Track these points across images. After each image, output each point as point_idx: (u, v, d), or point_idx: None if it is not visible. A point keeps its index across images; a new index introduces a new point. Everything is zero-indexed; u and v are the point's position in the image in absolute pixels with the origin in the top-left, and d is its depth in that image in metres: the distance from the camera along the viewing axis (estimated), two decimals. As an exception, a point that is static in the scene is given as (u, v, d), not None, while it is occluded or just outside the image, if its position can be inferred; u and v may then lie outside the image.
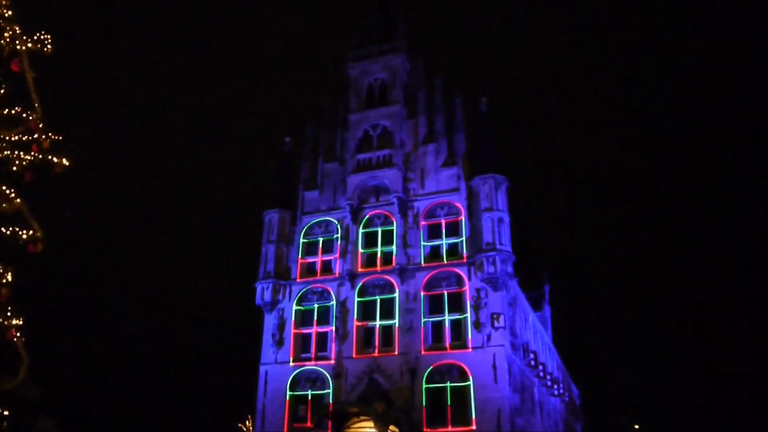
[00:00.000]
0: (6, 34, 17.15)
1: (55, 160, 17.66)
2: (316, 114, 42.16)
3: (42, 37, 17.48)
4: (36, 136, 17.41)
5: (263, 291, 37.27)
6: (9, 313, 17.93)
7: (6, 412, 23.90)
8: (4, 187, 17.35)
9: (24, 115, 17.45)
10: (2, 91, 17.56)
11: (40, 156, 17.46)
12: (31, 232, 17.57)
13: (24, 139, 17.48)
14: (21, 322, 18.23)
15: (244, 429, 60.68)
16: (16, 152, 17.40)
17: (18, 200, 17.50)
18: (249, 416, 52.08)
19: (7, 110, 17.42)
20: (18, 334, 18.12)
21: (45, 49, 17.50)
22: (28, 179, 17.50)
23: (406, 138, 38.56)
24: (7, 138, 17.35)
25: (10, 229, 17.57)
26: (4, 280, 17.73)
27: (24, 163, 17.36)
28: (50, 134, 17.61)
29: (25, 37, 17.36)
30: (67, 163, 17.85)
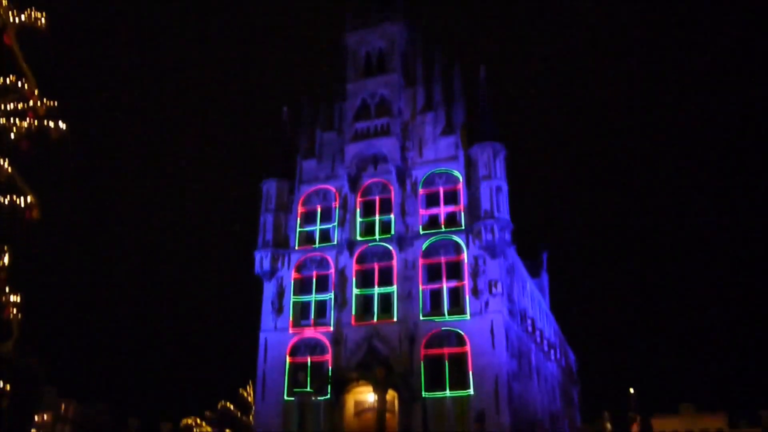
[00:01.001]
0: None
1: (51, 125, 17.62)
2: (314, 83, 41.94)
3: (34, 14, 17.38)
4: (31, 103, 17.36)
5: (262, 260, 37.49)
6: (7, 290, 18.09)
7: (7, 386, 24.21)
8: None
9: (19, 83, 17.38)
10: None
11: (36, 123, 17.43)
12: (29, 199, 17.62)
13: (20, 107, 17.44)
14: (18, 299, 18.39)
15: (245, 395, 61.58)
16: (12, 120, 17.37)
17: (9, 169, 17.51)
18: (250, 382, 52.84)
19: (1, 80, 17.35)
20: (15, 311, 18.29)
21: (38, 24, 17.39)
22: (25, 147, 17.48)
23: (404, 107, 38.40)
24: (2, 107, 17.31)
25: (7, 197, 17.60)
26: (1, 263, 17.84)
27: (21, 131, 17.33)
28: (45, 100, 17.56)
29: (15, 12, 17.25)
30: (64, 128, 17.80)
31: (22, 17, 17.24)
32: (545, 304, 53.08)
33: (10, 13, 17.17)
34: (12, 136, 17.34)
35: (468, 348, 32.19)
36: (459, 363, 32.44)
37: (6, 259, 17.91)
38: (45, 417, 74.15)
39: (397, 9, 40.69)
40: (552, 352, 47.60)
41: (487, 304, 32.55)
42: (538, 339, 42.25)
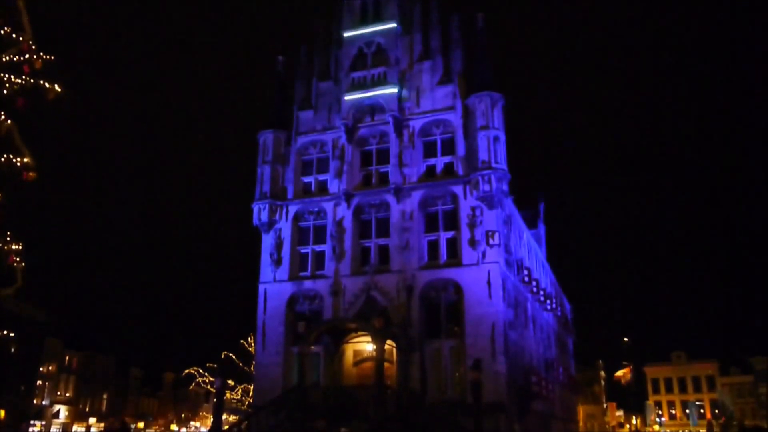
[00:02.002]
0: None
1: (47, 85, 17.34)
2: (309, 32, 41.18)
3: None
4: (27, 56, 17.03)
5: (260, 211, 37.52)
6: (9, 238, 18.06)
7: (12, 333, 24.51)
8: None
9: (14, 35, 16.99)
10: None
11: (32, 80, 17.13)
12: (25, 159, 17.46)
13: (15, 59, 17.10)
14: (20, 247, 18.39)
15: (247, 345, 62.47)
16: (8, 75, 17.06)
17: (9, 122, 17.29)
18: (251, 334, 53.50)
19: None
20: (18, 259, 18.31)
21: None
22: (20, 104, 17.22)
23: (402, 55, 37.84)
24: None
25: (3, 157, 17.43)
26: None
27: (15, 87, 17.04)
28: (42, 54, 17.20)
29: None
30: (60, 90, 17.53)
31: None
32: (542, 254, 53.42)
33: None
34: (5, 91, 17.05)
35: (465, 298, 32.50)
36: (456, 312, 32.83)
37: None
38: (50, 368, 75.43)
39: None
40: (548, 302, 48.13)
41: (484, 254, 32.73)
42: (534, 289, 42.66)
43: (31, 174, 17.68)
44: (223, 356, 64.34)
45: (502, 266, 32.99)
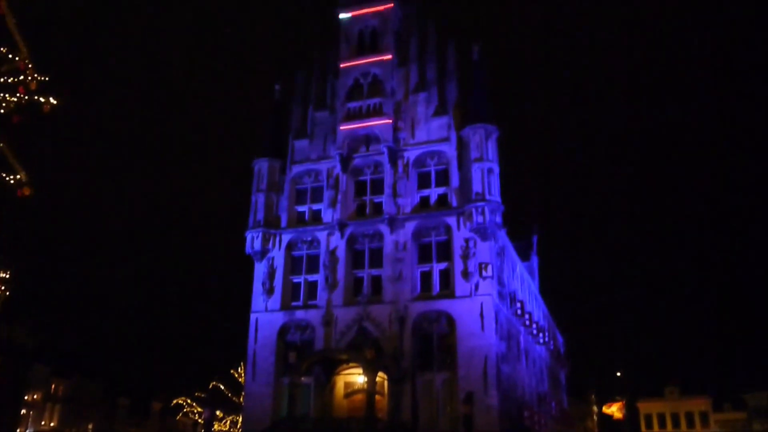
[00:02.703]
0: None
1: (42, 100, 17.27)
2: (306, 62, 41.54)
3: None
4: (23, 77, 17.00)
5: (253, 240, 37.36)
6: None
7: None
8: None
9: (10, 56, 16.98)
10: None
11: (27, 98, 17.08)
12: (18, 176, 17.33)
13: (10, 80, 17.06)
14: (7, 276, 18.16)
15: (236, 375, 61.65)
16: (2, 94, 17.01)
17: (1, 144, 17.18)
18: (241, 363, 52.84)
19: None
20: (2, 287, 18.08)
21: None
22: (15, 122, 17.14)
23: (397, 86, 38.13)
24: None
25: None
26: None
27: (11, 105, 16.97)
28: (37, 75, 17.17)
29: None
30: (55, 102, 17.46)
31: None
32: (535, 287, 53.28)
33: None
34: (2, 110, 16.99)
35: (457, 330, 32.27)
36: (448, 345, 32.56)
37: None
38: (35, 396, 74.15)
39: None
40: (541, 335, 47.88)
41: (477, 286, 32.60)
42: (527, 322, 42.44)
43: (26, 190, 17.52)
44: (212, 386, 63.43)
45: (495, 298, 32.84)
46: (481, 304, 32.20)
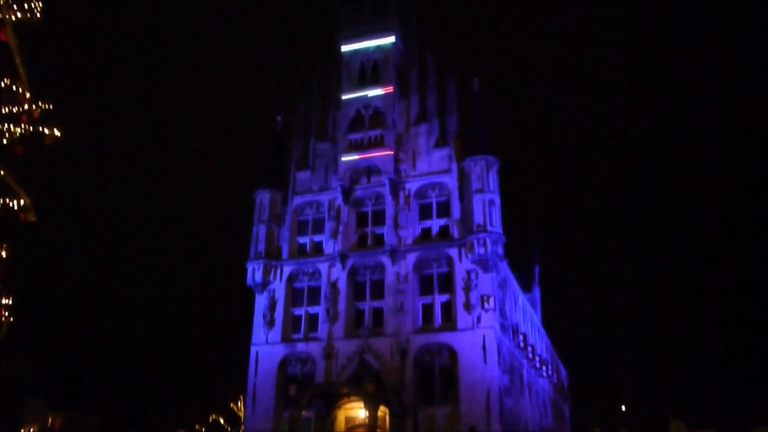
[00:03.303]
0: None
1: (46, 131, 17.36)
2: (308, 94, 41.81)
3: (32, 5, 17.10)
4: (26, 107, 17.10)
5: (254, 271, 37.18)
6: None
7: None
8: None
9: (13, 87, 17.11)
10: None
11: (31, 128, 17.17)
12: (22, 202, 17.32)
13: (14, 110, 17.16)
14: (10, 302, 18.03)
15: (236, 409, 60.89)
16: (6, 125, 17.10)
17: (2, 172, 17.21)
18: (241, 396, 52.23)
19: None
20: (6, 314, 17.93)
21: (34, 16, 17.13)
22: (19, 152, 17.21)
23: (398, 118, 38.35)
24: None
25: (0, 200, 17.30)
26: None
27: (15, 136, 17.06)
28: (40, 104, 17.28)
29: (13, 5, 16.98)
30: (59, 134, 17.55)
31: (19, 14, 16.98)
32: (537, 319, 52.90)
33: (8, 12, 16.94)
34: (5, 141, 17.06)
35: (459, 363, 31.92)
36: (451, 378, 32.16)
37: (4, 254, 17.56)
38: (31, 430, 73.15)
39: (392, 20, 40.72)
40: (544, 368, 47.37)
41: (479, 318, 32.34)
42: (530, 354, 42.02)
43: (30, 216, 17.51)
44: (211, 420, 62.70)
45: (497, 331, 32.55)
46: (484, 337, 31.90)
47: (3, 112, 17.25)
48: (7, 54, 17.25)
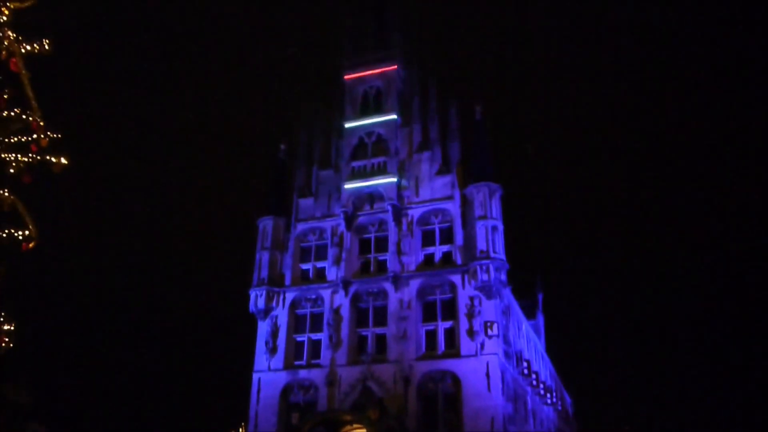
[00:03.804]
0: (3, 39, 17.05)
1: (53, 159, 17.51)
2: (311, 121, 42.24)
3: (41, 41, 17.38)
4: (35, 136, 17.27)
5: (257, 298, 37.21)
6: (2, 318, 17.72)
7: None
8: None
9: (23, 116, 17.31)
10: (6, 96, 17.39)
11: (38, 157, 17.32)
12: (26, 232, 17.40)
13: (23, 140, 17.33)
14: (12, 328, 18.01)
15: (237, 437, 60.35)
16: (14, 155, 17.25)
17: (12, 198, 17.33)
18: (242, 424, 51.83)
19: (6, 112, 17.28)
20: (7, 340, 17.89)
21: (43, 50, 17.40)
22: (27, 181, 17.34)
23: (401, 146, 38.67)
24: (6, 140, 17.21)
25: (6, 232, 17.38)
26: None
27: (22, 164, 17.21)
28: (49, 133, 17.45)
29: (21, 39, 17.26)
30: (66, 163, 17.70)
31: (28, 47, 17.26)
32: (541, 345, 52.64)
33: (17, 44, 17.21)
34: (12, 170, 17.20)
35: (463, 390, 31.76)
36: (454, 405, 31.98)
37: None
38: (30, 457, 72.47)
39: (395, 48, 41.31)
40: (548, 395, 47.01)
41: (482, 345, 32.25)
42: (534, 382, 41.75)
43: (30, 245, 17.56)
44: (212, 447, 62.02)
45: (501, 358, 32.43)
46: (487, 364, 31.79)
47: (11, 141, 17.42)
48: (16, 84, 17.49)
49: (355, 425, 32.42)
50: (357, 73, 41.29)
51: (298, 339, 36.64)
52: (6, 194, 17.28)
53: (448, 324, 33.86)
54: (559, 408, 54.21)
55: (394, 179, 37.24)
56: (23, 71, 17.19)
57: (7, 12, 17.23)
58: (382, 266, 36.39)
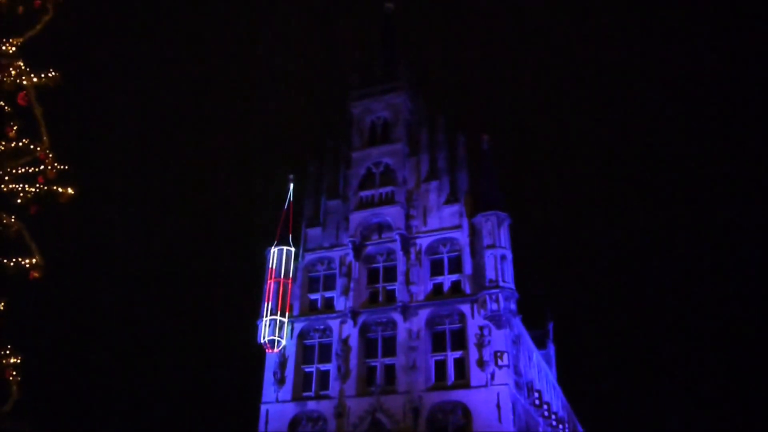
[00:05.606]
0: (12, 70, 17.23)
1: (60, 190, 17.58)
2: (319, 151, 42.49)
3: (49, 74, 17.56)
4: (43, 167, 17.37)
5: (265, 328, 36.98)
6: (8, 351, 17.63)
7: None
8: (4, 216, 17.26)
9: (32, 146, 17.42)
10: (15, 128, 17.54)
11: (46, 188, 17.39)
12: (34, 260, 17.40)
13: (30, 171, 17.43)
14: (19, 361, 17.91)
15: (244, 470, 59.57)
16: (22, 185, 17.34)
17: (18, 225, 17.36)
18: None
19: (14, 143, 17.41)
20: (15, 373, 17.77)
21: (52, 81, 17.56)
22: (33, 212, 17.39)
23: (409, 175, 38.77)
24: (14, 171, 17.32)
25: (13, 260, 17.39)
26: None
27: (29, 195, 17.28)
28: (57, 164, 17.55)
29: (30, 72, 17.45)
30: (73, 193, 17.76)
31: (35, 79, 17.44)
32: (552, 375, 51.95)
33: (26, 77, 17.40)
34: (19, 201, 17.27)
35: (473, 422, 31.30)
36: (465, 437, 31.47)
37: (1, 306, 17.46)
38: (36, 492, 71.65)
39: (402, 78, 41.69)
40: (560, 426, 46.23)
41: (493, 375, 31.88)
42: (546, 413, 41.09)
43: (35, 273, 17.51)
44: (219, 482, 61.21)
45: (511, 388, 32.01)
46: (498, 394, 31.38)
47: (18, 172, 17.51)
48: (24, 114, 17.64)
49: (364, 458, 31.96)
50: (364, 103, 41.62)
51: (307, 370, 36.33)
52: (13, 220, 17.33)
53: (458, 354, 33.53)
54: (572, 440, 53.23)
55: (402, 209, 37.24)
56: (35, 105, 17.34)
57: (16, 42, 17.44)
58: (390, 296, 36.20)
